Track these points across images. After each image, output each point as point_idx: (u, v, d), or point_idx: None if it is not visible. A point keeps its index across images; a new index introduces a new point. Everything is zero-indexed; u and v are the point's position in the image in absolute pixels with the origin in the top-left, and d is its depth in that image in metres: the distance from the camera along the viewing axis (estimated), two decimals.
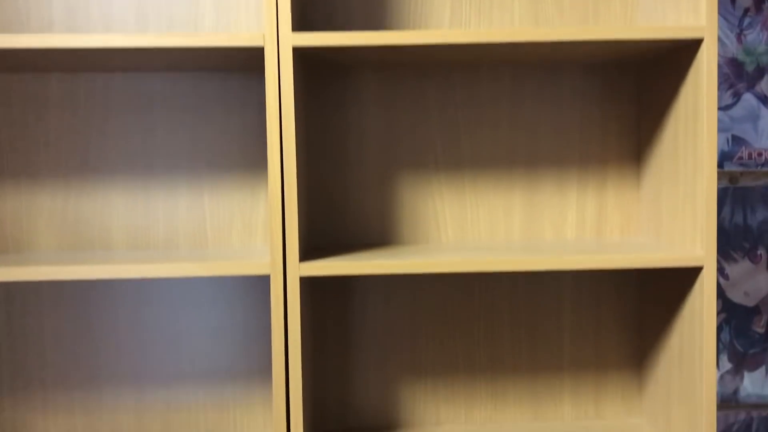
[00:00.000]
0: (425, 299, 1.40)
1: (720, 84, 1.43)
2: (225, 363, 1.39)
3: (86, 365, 1.38)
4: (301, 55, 1.20)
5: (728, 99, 1.43)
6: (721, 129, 1.43)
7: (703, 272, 1.14)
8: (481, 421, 1.42)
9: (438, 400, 1.42)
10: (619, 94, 1.39)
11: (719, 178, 1.44)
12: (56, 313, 1.38)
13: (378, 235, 1.39)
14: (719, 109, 1.43)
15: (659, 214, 1.31)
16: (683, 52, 1.19)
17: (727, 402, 1.47)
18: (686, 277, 1.20)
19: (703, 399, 1.15)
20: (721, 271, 1.45)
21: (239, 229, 1.38)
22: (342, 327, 1.40)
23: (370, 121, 1.38)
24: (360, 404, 1.41)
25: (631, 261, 1.15)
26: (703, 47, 1.12)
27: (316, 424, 1.40)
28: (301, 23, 1.32)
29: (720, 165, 1.44)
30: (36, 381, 1.38)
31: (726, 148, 1.44)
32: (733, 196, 1.45)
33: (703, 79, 1.12)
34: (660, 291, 1.31)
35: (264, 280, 1.39)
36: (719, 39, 1.43)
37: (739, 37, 1.43)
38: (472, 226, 1.40)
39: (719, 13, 1.42)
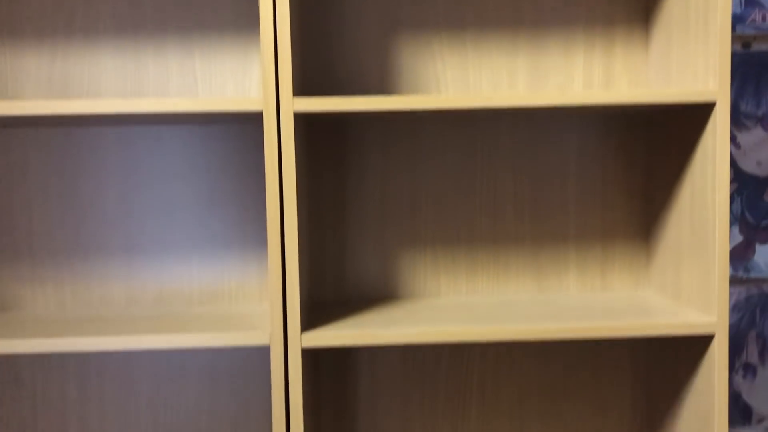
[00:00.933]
0: (425, 163, 1.35)
1: None
2: (219, 233, 1.35)
3: (74, 235, 1.34)
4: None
5: None
6: None
7: (716, 109, 1.09)
8: (483, 293, 1.38)
9: (438, 271, 1.37)
10: None
11: (734, 42, 1.38)
12: (43, 182, 1.33)
13: (377, 91, 1.34)
14: None
15: (668, 73, 1.25)
16: None
17: (737, 276, 1.42)
18: (697, 115, 1.14)
19: (715, 267, 1.10)
20: (732, 139, 1.40)
21: (231, 88, 1.33)
22: (340, 197, 1.35)
23: None
24: (359, 276, 1.36)
25: (643, 96, 1.09)
26: None
27: (313, 296, 1.36)
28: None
29: (732, 28, 1.38)
30: (24, 252, 1.34)
31: (738, 10, 1.38)
32: (745, 63, 1.39)
33: None
34: (669, 140, 1.25)
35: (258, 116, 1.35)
36: None
37: None
38: (474, 89, 1.35)
39: None
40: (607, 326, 1.12)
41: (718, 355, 1.11)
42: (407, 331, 1.11)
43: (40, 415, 1.36)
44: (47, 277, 1.34)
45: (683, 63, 1.20)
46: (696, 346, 1.17)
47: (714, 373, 1.12)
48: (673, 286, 1.26)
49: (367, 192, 1.35)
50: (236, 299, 1.36)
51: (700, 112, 1.14)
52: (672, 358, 1.27)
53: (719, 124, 1.09)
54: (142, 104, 1.07)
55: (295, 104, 1.08)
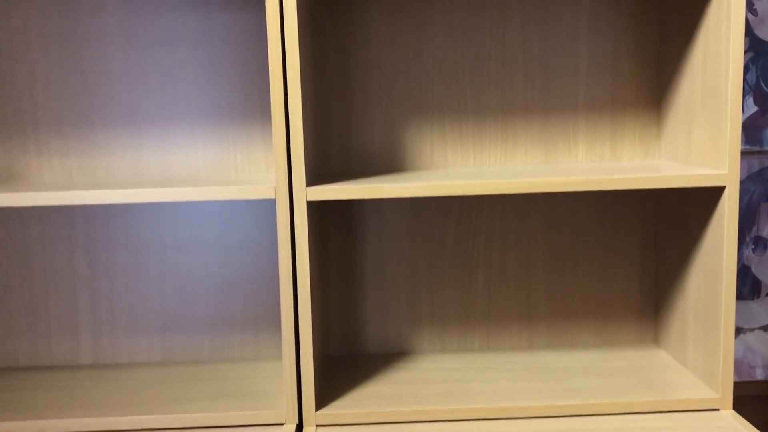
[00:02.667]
0: (433, 31, 1.32)
1: None
2: (224, 102, 1.33)
3: (78, 106, 1.33)
4: None
5: None
6: None
7: None
8: (491, 164, 1.36)
9: (446, 143, 1.35)
10: None
11: None
12: (46, 54, 1.31)
13: None
14: None
15: None
16: None
17: (751, 149, 1.40)
18: None
19: (727, 123, 1.08)
20: (749, 6, 1.36)
21: None
22: (345, 68, 1.33)
23: None
24: (365, 149, 1.35)
25: None
26: None
27: (320, 167, 1.35)
28: None
29: None
30: (28, 124, 1.33)
31: None
32: None
33: None
34: (682, 4, 1.22)
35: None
36: None
37: None
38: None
39: None
40: (616, 179, 1.11)
41: (728, 208, 1.10)
42: (412, 185, 1.10)
43: (51, 289, 1.37)
44: (53, 148, 1.34)
45: None
46: (707, 200, 1.16)
47: (724, 227, 1.10)
48: (684, 152, 1.24)
49: (372, 61, 1.33)
50: (242, 170, 1.35)
51: None
52: (682, 217, 1.25)
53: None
54: None
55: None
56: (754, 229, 1.41)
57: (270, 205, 1.36)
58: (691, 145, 1.21)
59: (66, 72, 1.32)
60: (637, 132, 1.35)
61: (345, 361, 1.37)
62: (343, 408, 1.15)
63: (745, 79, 1.38)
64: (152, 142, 1.34)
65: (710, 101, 1.13)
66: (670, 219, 1.31)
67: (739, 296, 1.42)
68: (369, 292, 1.38)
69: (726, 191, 1.10)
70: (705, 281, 1.17)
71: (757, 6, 1.36)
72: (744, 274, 1.42)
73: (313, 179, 1.20)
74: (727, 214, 1.10)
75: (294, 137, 1.08)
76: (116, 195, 1.10)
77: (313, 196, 1.10)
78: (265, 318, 1.39)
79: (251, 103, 1.33)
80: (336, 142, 1.35)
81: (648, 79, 1.34)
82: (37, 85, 1.32)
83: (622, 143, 1.36)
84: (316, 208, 1.16)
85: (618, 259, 1.39)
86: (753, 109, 1.39)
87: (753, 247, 1.42)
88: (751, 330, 1.43)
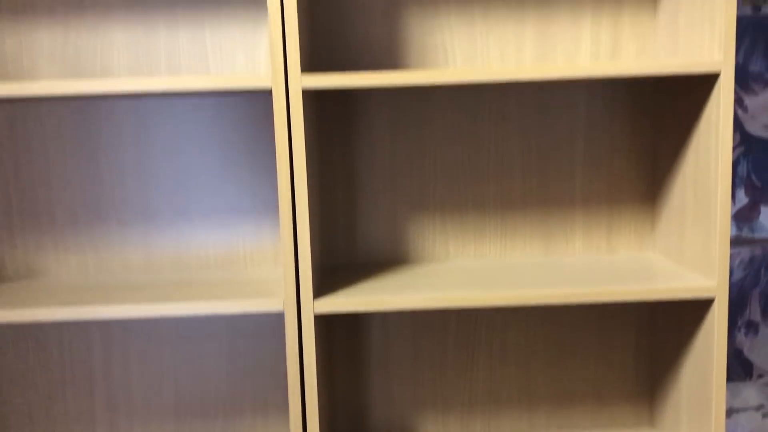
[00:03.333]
0: (433, 128, 1.38)
1: None
2: (233, 199, 1.39)
3: (94, 205, 1.38)
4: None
5: None
6: None
7: (720, 79, 1.10)
8: (491, 256, 1.41)
9: (447, 235, 1.41)
10: None
11: (741, 4, 1.38)
12: (61, 153, 1.37)
13: (384, 64, 1.35)
14: None
15: (676, 40, 1.25)
16: None
17: (742, 237, 1.45)
18: (702, 84, 1.16)
19: (717, 233, 1.13)
20: (739, 102, 1.41)
21: (242, 61, 1.35)
22: (350, 164, 1.38)
23: None
24: (369, 240, 1.40)
25: (648, 67, 1.10)
26: None
27: (325, 261, 1.40)
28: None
29: None
30: (45, 222, 1.39)
31: None
32: (754, 26, 1.39)
33: None
34: (675, 108, 1.27)
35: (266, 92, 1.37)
36: None
37: None
38: (482, 58, 1.36)
39: None
40: (611, 291, 1.16)
41: (718, 318, 1.15)
42: (416, 297, 1.16)
43: (67, 378, 1.42)
44: (69, 245, 1.39)
45: (690, 31, 1.20)
46: (697, 308, 1.21)
47: (714, 335, 1.15)
48: (677, 249, 1.29)
49: (376, 158, 1.38)
50: (251, 263, 1.40)
51: (705, 82, 1.15)
52: (674, 320, 1.31)
53: (723, 94, 1.10)
54: (154, 83, 1.10)
55: (304, 81, 1.10)
56: (746, 313, 1.46)
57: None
58: (684, 244, 1.26)
59: (81, 173, 1.37)
60: (632, 226, 1.40)
61: None
62: None
63: (736, 172, 1.43)
64: (165, 239, 1.39)
65: (701, 206, 1.18)
66: (664, 321, 1.37)
67: (732, 378, 1.47)
68: (374, 378, 1.44)
69: (716, 302, 1.15)
70: (696, 372, 1.22)
71: (747, 103, 1.41)
72: (736, 356, 1.47)
73: (319, 274, 1.25)
74: (717, 327, 1.15)
75: (301, 231, 1.13)
76: (131, 310, 1.16)
77: (321, 309, 1.16)
78: (274, 402, 1.44)
79: (259, 201, 1.39)
80: (341, 235, 1.40)
81: (642, 175, 1.39)
82: (54, 185, 1.38)
83: (617, 236, 1.41)
84: (323, 319, 1.21)
85: (615, 346, 1.44)
86: (744, 200, 1.43)
87: (745, 331, 1.47)
88: (744, 410, 1.48)
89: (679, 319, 1.28)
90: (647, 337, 1.43)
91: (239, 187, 1.38)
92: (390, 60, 1.35)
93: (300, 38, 1.10)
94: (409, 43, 1.35)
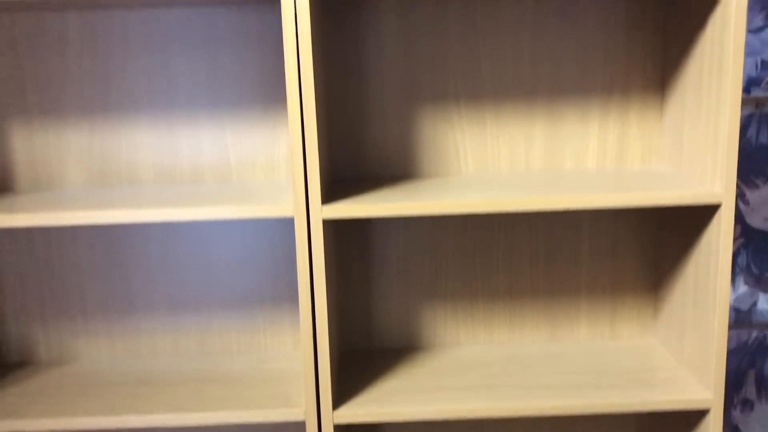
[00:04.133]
0: (445, 229, 1.43)
1: (752, 6, 1.38)
2: (254, 290, 1.45)
3: (122, 295, 1.45)
4: None
5: (759, 21, 1.39)
6: (750, 53, 1.39)
7: (721, 209, 1.15)
8: (500, 342, 1.48)
9: (458, 322, 1.48)
10: (644, 22, 1.35)
11: (746, 104, 1.42)
12: (91, 248, 1.43)
13: (399, 166, 1.41)
14: (749, 32, 1.39)
15: (681, 145, 1.30)
16: None
17: (741, 321, 1.51)
18: (704, 213, 1.21)
19: (715, 328, 1.19)
20: (741, 196, 1.46)
21: (262, 162, 1.41)
22: (365, 258, 1.44)
23: (389, 51, 1.36)
24: (384, 326, 1.47)
25: (649, 199, 1.16)
26: None
27: (343, 347, 1.48)
28: None
29: (747, 90, 1.41)
30: (77, 310, 1.46)
31: (754, 74, 1.41)
32: (758, 121, 1.43)
33: (731, 18, 1.09)
34: (678, 224, 1.32)
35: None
36: None
37: None
38: (492, 157, 1.41)
39: None
40: (610, 403, 1.23)
41: (713, 429, 1.22)
42: (429, 409, 1.23)
43: None
44: (99, 331, 1.47)
45: (694, 145, 1.24)
46: (693, 416, 1.28)
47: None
48: (677, 343, 1.35)
49: (389, 251, 1.44)
50: (270, 349, 1.48)
51: (707, 211, 1.20)
52: (671, 424, 1.38)
53: (723, 224, 1.15)
54: (180, 213, 1.16)
55: (324, 212, 1.16)
56: (742, 392, 1.54)
57: None
58: (684, 340, 1.33)
59: (109, 264, 1.44)
60: (634, 313, 1.47)
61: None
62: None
63: (736, 262, 1.48)
64: (189, 325, 1.47)
65: (700, 309, 1.24)
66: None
67: None
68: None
69: (710, 414, 1.22)
70: None
71: (749, 197, 1.46)
72: (732, 431, 1.55)
73: (338, 365, 1.33)
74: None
75: (320, 332, 1.21)
76: (158, 419, 1.24)
77: (339, 420, 1.23)
78: None
79: (278, 289, 1.45)
80: (358, 324, 1.47)
81: (645, 266, 1.45)
82: (84, 276, 1.44)
83: (620, 323, 1.47)
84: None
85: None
86: (743, 288, 1.49)
87: (741, 408, 1.54)
88: None
89: (676, 425, 1.35)
90: None
91: (260, 276, 1.45)
92: (404, 160, 1.40)
93: (319, 148, 1.16)
94: (422, 143, 1.40)
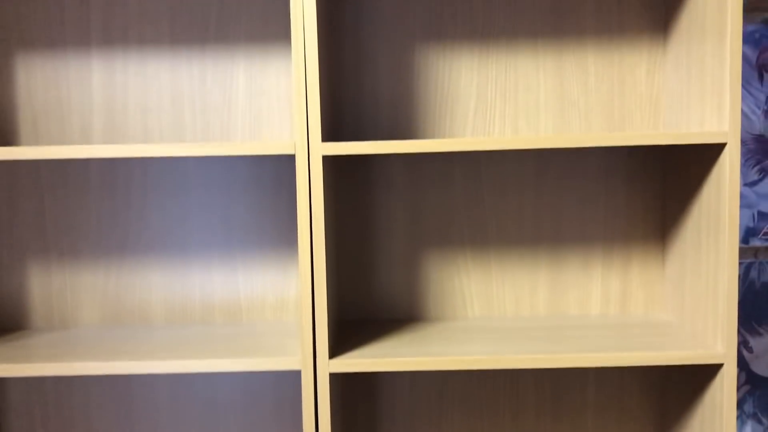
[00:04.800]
0: (452, 375, 1.45)
1: (746, 160, 1.44)
2: None
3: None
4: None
5: (754, 175, 1.44)
6: (746, 205, 1.44)
7: (723, 369, 1.17)
8: None
9: None
10: (644, 175, 1.41)
11: (745, 254, 1.45)
12: (99, 387, 1.45)
13: (406, 309, 1.44)
14: (745, 185, 1.44)
15: (682, 295, 1.33)
16: (707, 152, 1.20)
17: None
18: (708, 371, 1.22)
19: None
20: (745, 344, 1.47)
21: (272, 303, 1.44)
22: (371, 411, 1.45)
23: (397, 200, 1.42)
24: None
25: (652, 359, 1.18)
26: (726, 150, 1.14)
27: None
28: (329, 131, 1.36)
29: (745, 241, 1.45)
30: None
31: (751, 224, 1.45)
32: (758, 269, 1.46)
33: (725, 181, 1.14)
34: (682, 379, 1.33)
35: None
36: (746, 114, 1.43)
37: (767, 114, 1.43)
38: (497, 302, 1.43)
39: (746, 89, 1.43)
40: None
41: None
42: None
43: None
44: None
45: (696, 291, 1.27)
46: None
47: None
48: None
49: (397, 403, 1.45)
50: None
51: (710, 369, 1.21)
52: None
53: (726, 383, 1.17)
54: (188, 365, 1.18)
55: (331, 366, 1.18)
56: None
57: None
58: None
59: (117, 407, 1.45)
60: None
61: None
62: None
63: (742, 410, 1.48)
64: None
65: None
66: None
67: None
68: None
69: None
70: None
71: (753, 344, 1.47)
72: None
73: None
74: None
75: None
76: None
77: None
78: None
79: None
80: None
81: (651, 421, 1.45)
82: (92, 416, 1.45)
83: None
84: None
85: None
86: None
87: None
88: None
89: None
90: None
91: (266, 423, 1.45)
92: (411, 303, 1.43)
93: (327, 291, 1.19)
94: (429, 287, 1.43)
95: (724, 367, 1.17)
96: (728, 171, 1.14)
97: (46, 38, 1.39)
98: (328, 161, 1.27)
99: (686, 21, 1.28)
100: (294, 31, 1.13)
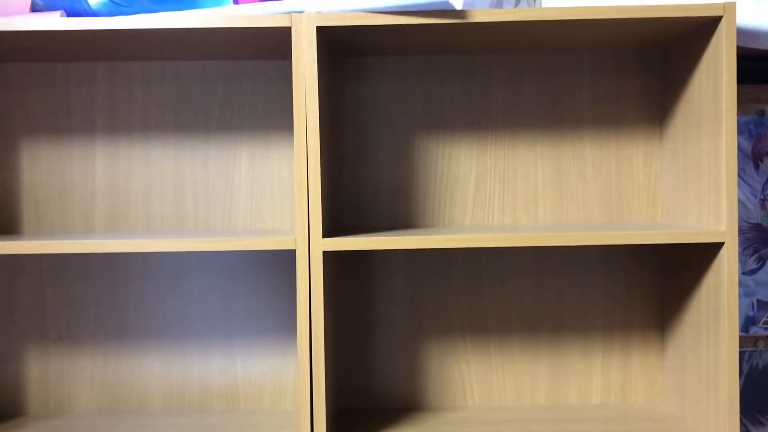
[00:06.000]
0: None
1: (744, 249, 1.44)
2: None
3: None
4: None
5: (752, 264, 1.45)
6: (745, 294, 1.44)
7: None
8: None
9: None
10: (642, 266, 1.41)
11: (745, 343, 1.45)
12: None
13: (405, 398, 1.42)
14: (744, 274, 1.45)
15: (683, 385, 1.32)
16: (704, 248, 1.21)
17: None
18: None
19: None
20: None
21: (270, 391, 1.43)
22: None
23: (397, 289, 1.42)
24: None
25: None
26: (724, 249, 1.15)
27: None
28: (330, 221, 1.37)
29: (745, 329, 1.45)
30: None
31: (751, 313, 1.45)
32: (760, 357, 1.45)
33: (724, 279, 1.15)
34: None
35: None
36: (742, 203, 1.45)
37: (763, 203, 1.45)
38: (497, 391, 1.42)
39: (742, 177, 1.45)
40: None
41: None
42: None
43: None
44: None
45: (696, 383, 1.26)
46: None
47: None
48: None
49: None
50: None
51: None
52: None
53: None
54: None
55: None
56: None
57: None
58: None
59: None
60: None
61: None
62: None
63: None
64: None
65: None
66: None
67: None
68: None
69: None
70: None
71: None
72: None
73: None
74: None
75: None
76: None
77: None
78: None
79: None
80: None
81: None
82: None
83: None
84: None
85: None
86: None
87: None
88: None
89: None
90: None
91: None
92: (410, 392, 1.42)
93: (326, 379, 1.18)
94: (428, 376, 1.42)
95: None
96: (726, 269, 1.14)
97: (51, 125, 1.41)
98: (329, 254, 1.28)
99: (682, 113, 1.30)
100: (297, 126, 1.15)
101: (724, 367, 1.15)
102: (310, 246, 1.16)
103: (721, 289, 1.15)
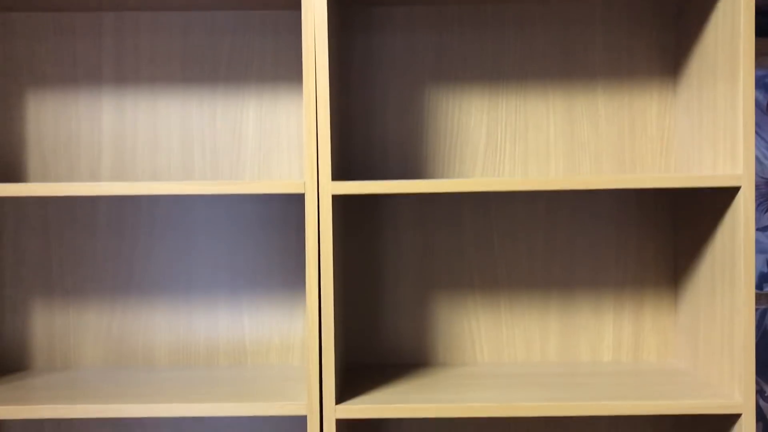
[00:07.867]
0: (462, 420, 1.41)
1: (758, 204, 1.42)
2: None
3: None
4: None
5: (766, 220, 1.42)
6: (759, 251, 1.42)
7: (742, 419, 1.14)
8: None
9: None
10: (655, 219, 1.39)
11: (758, 300, 1.43)
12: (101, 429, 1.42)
13: (414, 354, 1.41)
14: (758, 230, 1.42)
15: (696, 342, 1.30)
16: (720, 195, 1.19)
17: None
18: (724, 421, 1.19)
19: None
20: (761, 392, 1.44)
21: (277, 346, 1.41)
22: None
23: (406, 242, 1.40)
24: None
25: (668, 408, 1.14)
26: (740, 194, 1.12)
27: None
28: (339, 172, 1.35)
29: (759, 286, 1.43)
30: None
31: (765, 270, 1.43)
32: None
33: (740, 225, 1.12)
34: (696, 429, 1.30)
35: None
36: (757, 158, 1.42)
37: None
38: (507, 347, 1.41)
39: (757, 132, 1.42)
40: None
41: None
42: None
43: None
44: None
45: (710, 339, 1.24)
46: None
47: None
48: None
49: None
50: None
51: (726, 420, 1.18)
52: None
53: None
54: (192, 409, 1.15)
55: (338, 412, 1.15)
56: None
57: None
58: None
59: None
60: None
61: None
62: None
63: None
64: None
65: None
66: None
67: None
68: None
69: None
70: None
71: None
72: None
73: None
74: None
75: None
76: None
77: None
78: None
79: None
80: None
81: None
82: None
83: None
84: None
85: None
86: None
87: None
88: None
89: None
90: None
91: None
92: (419, 348, 1.40)
93: (335, 334, 1.16)
94: (437, 332, 1.41)
95: (743, 417, 1.14)
96: (743, 215, 1.12)
97: (58, 75, 1.39)
98: (338, 201, 1.26)
99: (697, 64, 1.28)
100: (306, 72, 1.13)
101: (739, 316, 1.13)
102: (319, 190, 1.14)
103: (737, 238, 1.13)
